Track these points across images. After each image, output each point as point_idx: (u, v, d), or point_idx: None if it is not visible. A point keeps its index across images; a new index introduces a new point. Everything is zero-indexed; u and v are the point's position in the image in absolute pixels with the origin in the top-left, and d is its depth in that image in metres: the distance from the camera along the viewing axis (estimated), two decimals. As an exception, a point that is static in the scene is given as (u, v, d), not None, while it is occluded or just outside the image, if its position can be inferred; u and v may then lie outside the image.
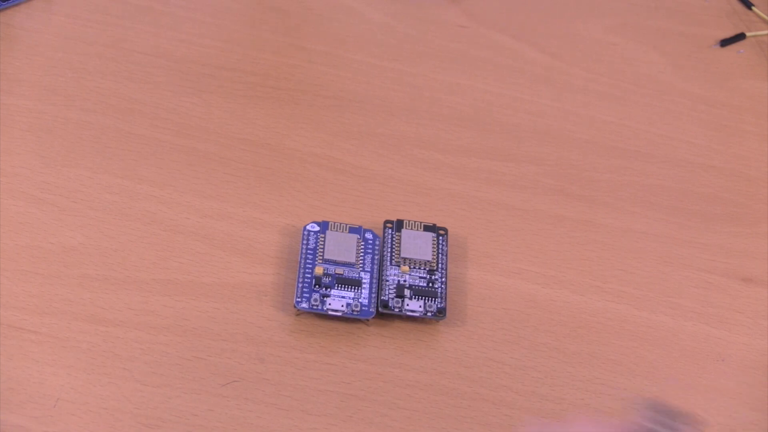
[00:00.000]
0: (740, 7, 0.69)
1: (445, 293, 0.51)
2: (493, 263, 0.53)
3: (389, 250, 0.52)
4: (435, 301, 0.50)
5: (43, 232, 0.51)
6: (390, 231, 0.52)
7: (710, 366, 0.51)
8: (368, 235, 0.52)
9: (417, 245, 0.52)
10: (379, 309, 0.49)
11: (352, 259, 0.51)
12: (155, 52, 0.60)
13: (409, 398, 0.48)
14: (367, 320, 0.49)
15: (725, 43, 0.67)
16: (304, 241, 0.51)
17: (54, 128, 0.55)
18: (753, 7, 0.69)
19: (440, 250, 0.52)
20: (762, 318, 0.53)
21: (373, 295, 0.50)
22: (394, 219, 0.53)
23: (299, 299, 0.49)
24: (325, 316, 0.50)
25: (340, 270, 0.50)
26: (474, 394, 0.48)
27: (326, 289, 0.50)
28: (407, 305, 0.50)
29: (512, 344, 0.51)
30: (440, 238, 0.52)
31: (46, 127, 0.55)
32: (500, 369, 0.50)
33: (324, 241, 0.51)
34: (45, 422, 0.45)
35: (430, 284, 0.51)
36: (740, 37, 0.67)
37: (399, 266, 0.51)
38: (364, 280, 0.50)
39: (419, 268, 0.51)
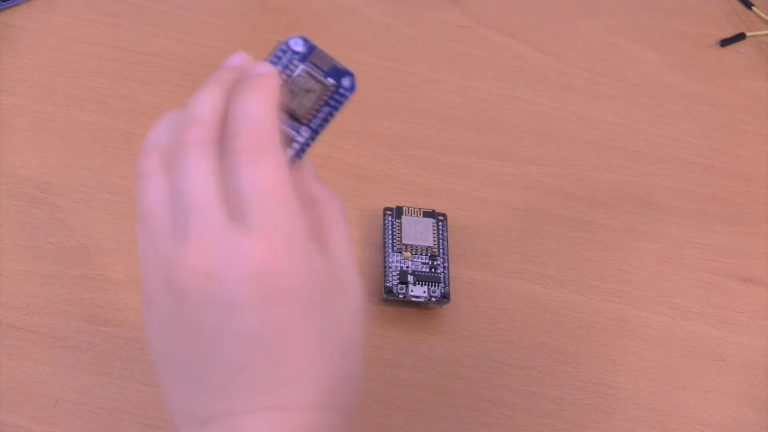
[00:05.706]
0: (740, 7, 0.69)
1: (448, 278, 0.51)
2: (493, 263, 0.53)
3: (390, 236, 0.52)
4: (438, 286, 0.50)
5: (43, 232, 0.51)
6: (390, 218, 0.52)
7: (710, 366, 0.51)
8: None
9: (417, 231, 0.52)
10: (384, 296, 0.50)
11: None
12: (155, 52, 0.60)
13: (409, 398, 0.48)
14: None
15: (725, 43, 0.67)
16: (304, 241, 0.51)
17: (54, 128, 0.55)
18: (753, 7, 0.69)
19: (441, 236, 0.52)
20: (762, 318, 0.53)
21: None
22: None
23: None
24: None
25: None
26: (474, 394, 0.48)
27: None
28: (411, 291, 0.50)
29: (512, 344, 0.50)
30: (440, 223, 0.52)
31: (46, 127, 0.55)
32: (500, 369, 0.49)
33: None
34: (45, 422, 0.45)
35: (433, 269, 0.51)
36: (740, 37, 0.67)
37: (401, 253, 0.51)
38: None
39: (421, 254, 0.51)
